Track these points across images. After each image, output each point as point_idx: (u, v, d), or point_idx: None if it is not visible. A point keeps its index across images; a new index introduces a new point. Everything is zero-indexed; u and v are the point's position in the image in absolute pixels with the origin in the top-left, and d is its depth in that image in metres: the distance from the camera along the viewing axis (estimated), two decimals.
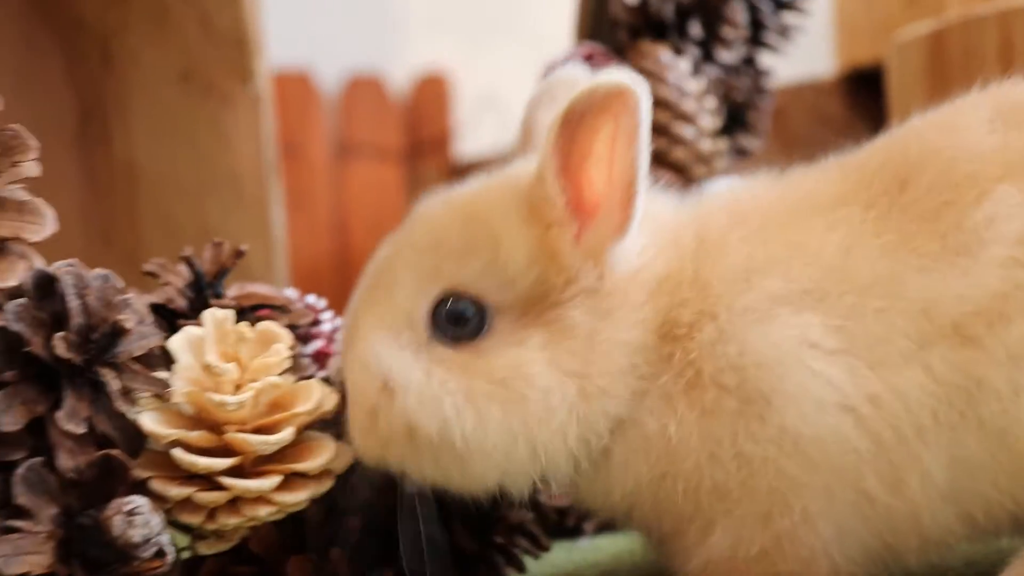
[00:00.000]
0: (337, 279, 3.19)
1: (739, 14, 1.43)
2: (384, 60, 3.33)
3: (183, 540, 0.81)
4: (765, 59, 1.51)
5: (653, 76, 1.37)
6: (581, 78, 0.90)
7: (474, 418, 0.77)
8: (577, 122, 0.77)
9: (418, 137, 3.33)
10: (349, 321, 0.83)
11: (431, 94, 3.36)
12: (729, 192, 0.89)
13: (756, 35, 1.47)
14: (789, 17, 1.49)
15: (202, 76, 1.59)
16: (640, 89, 0.76)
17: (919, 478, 0.75)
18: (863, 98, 2.17)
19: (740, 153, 1.45)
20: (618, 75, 0.78)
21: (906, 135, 0.83)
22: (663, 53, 1.38)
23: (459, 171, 2.61)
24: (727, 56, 1.42)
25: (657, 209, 0.84)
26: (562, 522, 1.10)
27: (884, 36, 2.04)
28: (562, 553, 1.06)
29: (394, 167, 3.26)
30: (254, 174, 1.60)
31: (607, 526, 1.10)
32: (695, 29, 1.40)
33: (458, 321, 0.80)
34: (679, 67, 1.37)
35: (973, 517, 0.76)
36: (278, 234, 1.60)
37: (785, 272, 0.78)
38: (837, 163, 0.85)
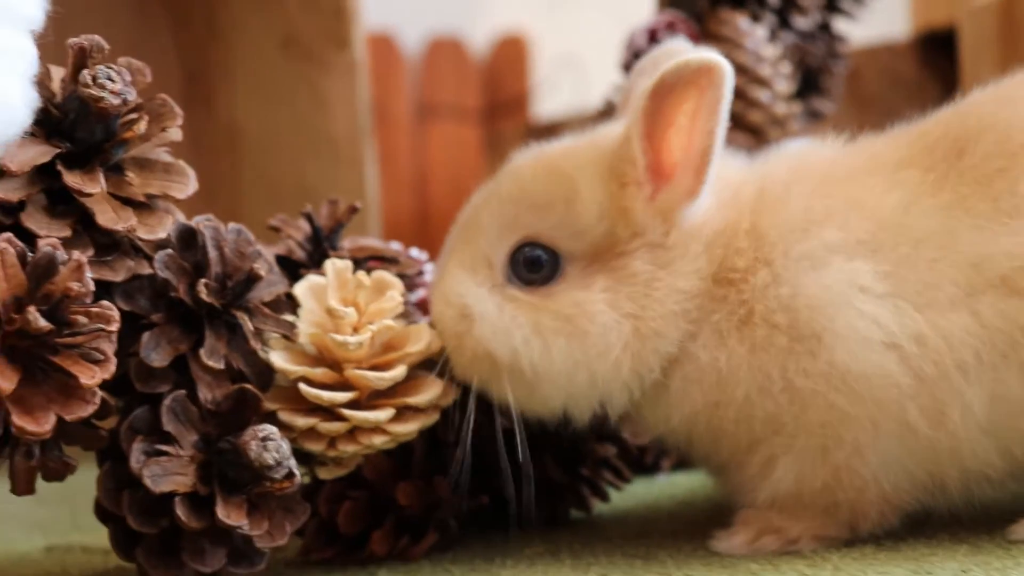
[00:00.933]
0: (418, 235, 3.27)
1: None
2: (464, 22, 3.40)
3: (302, 467, 0.91)
4: (840, 25, 1.57)
5: (731, 42, 1.43)
6: (682, 51, 0.97)
7: (541, 348, 0.87)
8: (666, 92, 0.85)
9: (497, 98, 3.40)
10: (439, 261, 0.94)
11: (510, 55, 3.43)
12: (796, 152, 0.97)
13: (832, 2, 1.53)
14: None
15: (301, 43, 1.68)
16: (726, 68, 0.84)
17: (960, 412, 0.82)
18: (937, 60, 2.20)
19: (814, 116, 1.51)
20: (708, 53, 0.86)
21: (968, 106, 0.90)
22: (741, 20, 1.44)
23: (537, 131, 2.68)
24: (802, 23, 1.48)
25: (725, 170, 0.91)
26: (642, 459, 1.18)
27: None
28: (642, 487, 1.14)
29: (473, 127, 3.33)
30: (349, 137, 1.69)
31: (683, 464, 1.19)
32: None
33: (533, 267, 0.89)
34: (756, 33, 1.43)
35: (1012, 452, 0.83)
36: (372, 193, 1.69)
37: (842, 223, 0.85)
38: (903, 130, 0.93)
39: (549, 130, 1.43)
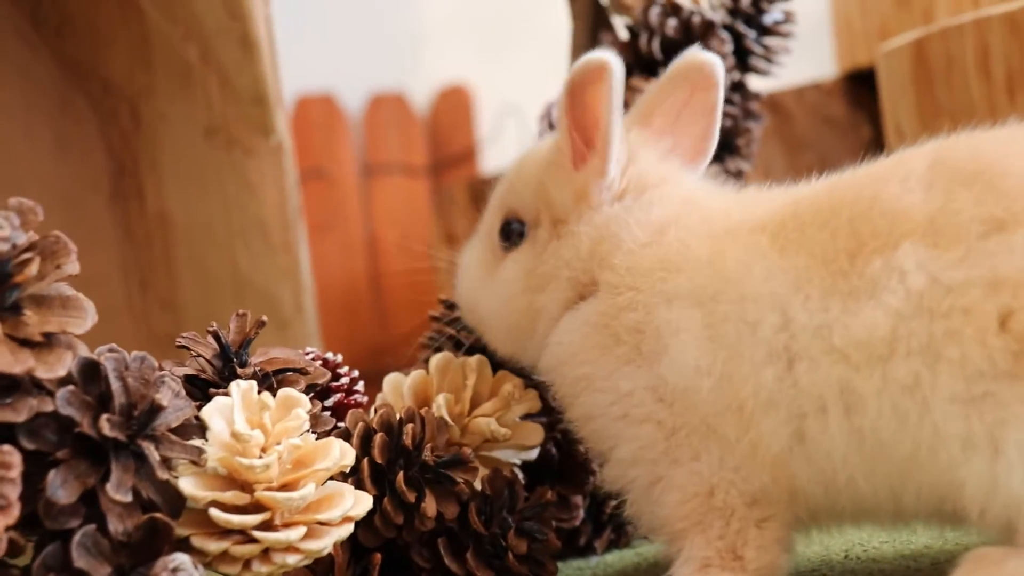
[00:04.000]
0: (372, 295, 3.28)
1: (724, 45, 1.50)
2: (405, 77, 3.42)
3: None
4: (755, 82, 1.59)
5: None
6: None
7: (485, 299, 1.09)
8: (576, 88, 1.02)
9: (443, 151, 3.42)
10: None
11: (454, 106, 3.44)
12: (704, 196, 1.07)
13: (743, 61, 1.55)
14: (773, 41, 1.56)
15: (225, 131, 1.69)
16: (615, 64, 0.99)
17: (753, 440, 0.92)
18: (864, 98, 2.23)
19: (732, 176, 1.53)
20: (602, 53, 1.01)
21: (844, 178, 0.96)
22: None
23: (486, 183, 2.70)
24: None
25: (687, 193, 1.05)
26: (575, 539, 1.19)
27: (880, 38, 2.11)
28: (574, 569, 1.15)
29: (421, 182, 3.35)
30: (280, 220, 1.70)
31: (615, 543, 1.20)
32: None
33: (508, 235, 1.10)
34: None
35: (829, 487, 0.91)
36: (305, 275, 1.70)
37: (692, 275, 0.96)
38: (790, 191, 1.00)
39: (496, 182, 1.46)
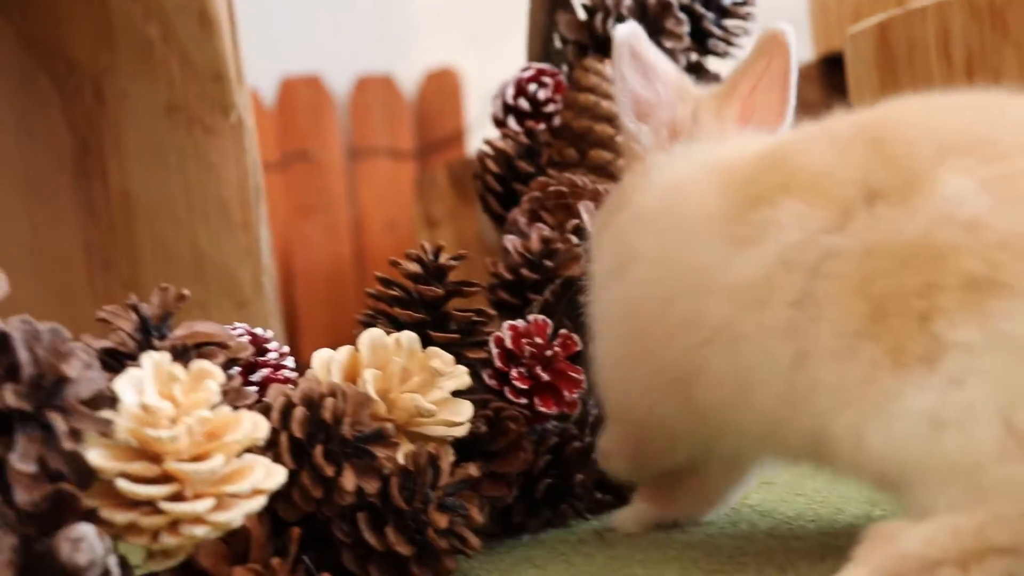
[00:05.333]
0: (357, 278, 3.28)
1: (680, 25, 1.50)
2: (393, 59, 3.41)
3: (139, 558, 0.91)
4: (714, 64, 1.58)
5: (597, 91, 1.45)
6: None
7: None
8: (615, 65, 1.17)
9: (431, 134, 3.41)
10: None
11: (442, 90, 3.43)
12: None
13: (701, 43, 1.55)
14: (732, 23, 1.56)
15: (186, 110, 1.69)
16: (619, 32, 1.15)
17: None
18: (840, 82, 2.22)
19: None
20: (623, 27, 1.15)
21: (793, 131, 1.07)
22: (608, 68, 1.46)
23: (467, 165, 2.69)
24: None
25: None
26: (508, 517, 1.19)
27: (854, 21, 2.10)
28: (506, 548, 1.15)
29: (408, 165, 3.34)
30: (241, 199, 1.70)
31: (552, 523, 1.20)
32: None
33: None
34: None
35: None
36: (266, 256, 1.70)
37: (655, 198, 1.06)
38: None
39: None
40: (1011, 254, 0.78)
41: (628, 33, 1.14)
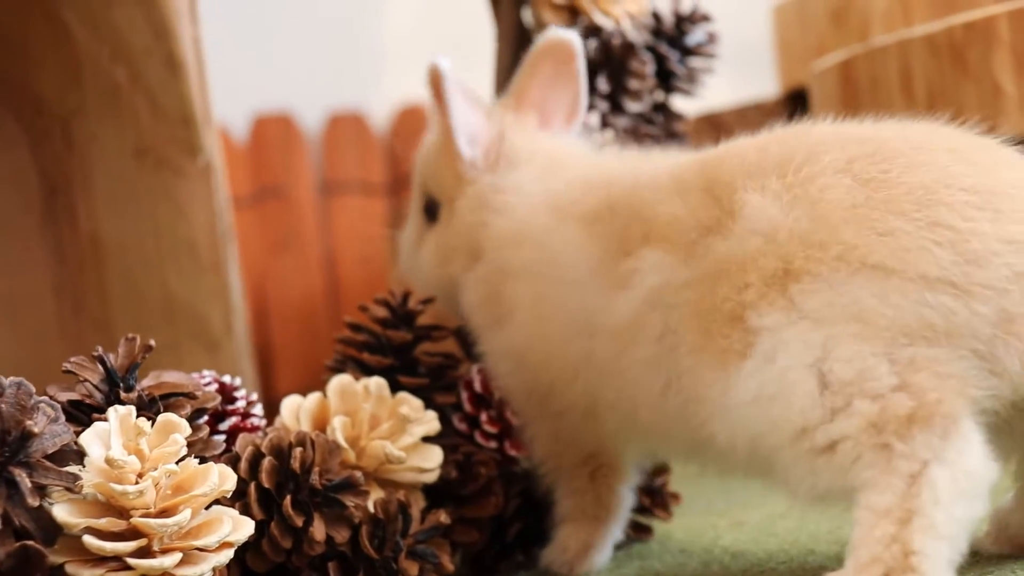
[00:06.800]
0: (331, 313, 3.27)
1: (645, 66, 1.51)
2: (364, 96, 3.42)
3: None
4: (678, 103, 1.60)
5: None
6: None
7: (417, 270, 1.29)
8: (432, 90, 1.22)
9: (402, 169, 3.42)
10: None
11: (413, 126, 3.44)
12: (570, 167, 1.23)
13: (666, 82, 1.56)
14: (697, 62, 1.57)
15: (155, 152, 1.69)
16: (445, 65, 1.19)
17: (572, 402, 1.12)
18: (804, 116, 2.24)
19: None
20: (438, 59, 1.20)
21: (646, 173, 1.10)
22: None
23: None
24: (635, 106, 1.50)
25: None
26: (481, 560, 1.19)
27: (818, 56, 2.12)
28: None
29: (379, 201, 3.34)
30: (210, 241, 1.70)
31: (523, 566, 1.20)
32: (602, 84, 1.48)
33: (429, 214, 1.28)
34: (588, 121, 1.46)
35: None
36: (236, 297, 1.69)
37: (517, 249, 1.14)
38: (628, 164, 1.18)
39: None
40: (800, 243, 0.90)
41: (447, 64, 1.20)
